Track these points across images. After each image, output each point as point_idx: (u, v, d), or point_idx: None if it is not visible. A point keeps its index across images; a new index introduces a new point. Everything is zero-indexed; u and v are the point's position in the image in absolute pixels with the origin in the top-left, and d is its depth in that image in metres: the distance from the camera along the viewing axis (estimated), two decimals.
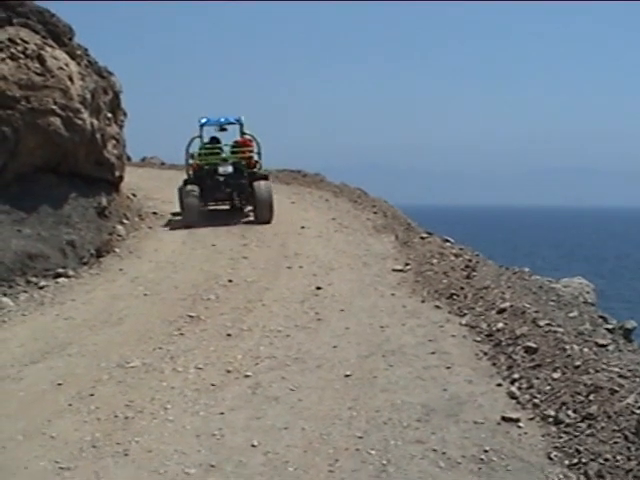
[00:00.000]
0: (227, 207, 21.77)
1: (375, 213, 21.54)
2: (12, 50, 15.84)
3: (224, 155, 21.00)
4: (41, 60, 16.17)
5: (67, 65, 16.82)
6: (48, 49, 16.56)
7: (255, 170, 21.03)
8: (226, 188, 20.52)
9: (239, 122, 21.66)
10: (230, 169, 20.39)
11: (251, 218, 20.65)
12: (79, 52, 18.09)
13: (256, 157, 21.34)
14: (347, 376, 9.31)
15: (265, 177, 20.89)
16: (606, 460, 6.79)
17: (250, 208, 21.10)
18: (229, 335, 11.09)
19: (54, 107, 16.21)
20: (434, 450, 7.31)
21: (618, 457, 6.79)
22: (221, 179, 20.35)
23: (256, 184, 20.07)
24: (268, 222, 19.77)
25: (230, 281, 14.13)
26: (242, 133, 21.78)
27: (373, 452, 7.29)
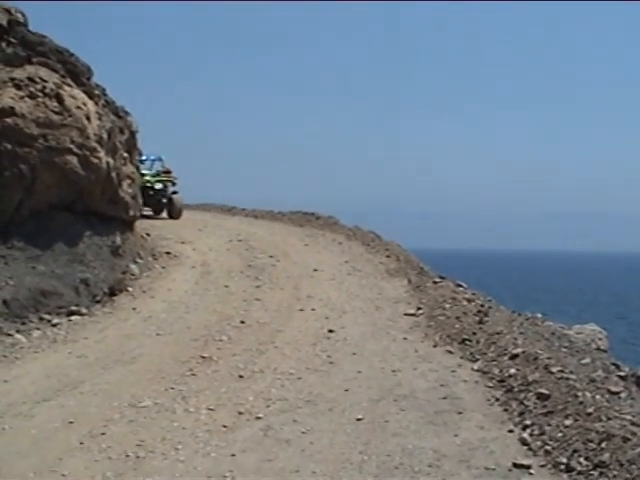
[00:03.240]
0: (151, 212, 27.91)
1: (388, 257, 21.54)
2: (31, 89, 15.96)
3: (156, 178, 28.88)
4: (59, 99, 16.28)
5: (85, 104, 16.93)
6: (66, 88, 16.68)
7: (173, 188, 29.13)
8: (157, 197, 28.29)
9: (160, 159, 30.32)
10: (160, 186, 28.38)
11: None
12: (97, 92, 18.22)
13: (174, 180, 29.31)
14: (358, 420, 9.30)
15: (176, 192, 28.87)
16: None
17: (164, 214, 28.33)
18: (241, 376, 11.09)
19: (71, 146, 16.28)
20: None
21: None
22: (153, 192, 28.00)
23: (174, 196, 28.44)
24: (178, 218, 27.52)
25: (242, 322, 14.14)
26: (162, 166, 30.14)
27: None
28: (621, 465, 7.36)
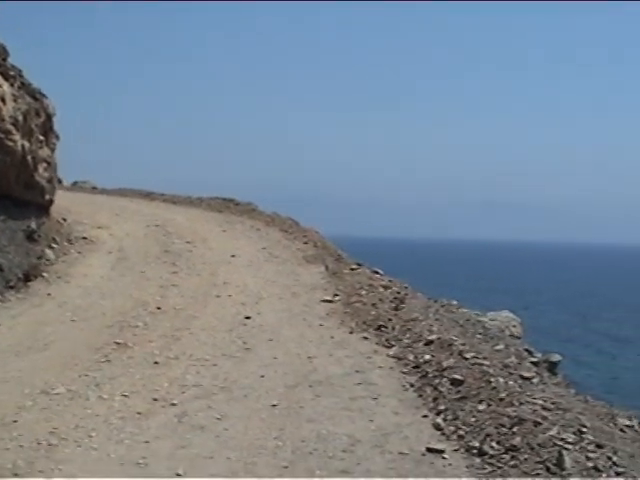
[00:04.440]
0: None
1: (306, 243, 21.54)
2: None
3: None
4: None
5: (0, 86, 16.63)
6: None
7: None
8: None
9: None
10: None
11: None
12: (12, 73, 17.88)
13: None
14: (274, 406, 9.30)
15: None
16: None
17: None
18: (156, 363, 11.00)
19: None
20: None
21: None
22: None
23: None
24: None
25: (158, 308, 14.03)
26: None
27: None
28: (532, 449, 7.49)
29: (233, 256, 19.23)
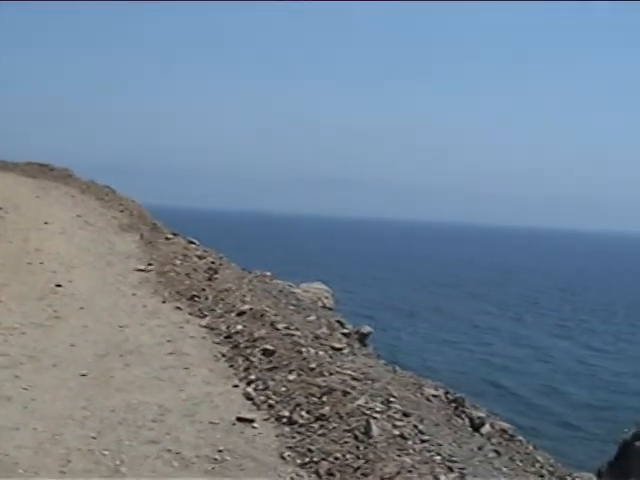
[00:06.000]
0: None
1: (122, 212, 21.32)
2: None
3: None
4: None
5: None
6: None
7: None
8: None
9: None
10: None
11: None
12: None
13: None
14: (83, 375, 9.14)
15: None
16: (336, 459, 7.00)
17: None
18: None
19: None
20: (168, 450, 7.28)
21: (347, 456, 7.02)
22: None
23: None
24: None
25: None
26: None
27: (106, 452, 7.18)
28: (340, 417, 7.63)
29: (46, 223, 18.82)
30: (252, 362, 9.51)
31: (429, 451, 7.09)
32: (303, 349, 9.43)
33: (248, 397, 8.58)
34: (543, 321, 60.67)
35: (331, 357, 9.39)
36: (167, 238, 17.73)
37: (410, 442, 7.19)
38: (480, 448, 8.41)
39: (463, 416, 10.38)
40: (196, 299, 12.60)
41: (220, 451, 7.30)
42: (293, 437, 7.58)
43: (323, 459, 7.04)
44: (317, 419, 7.74)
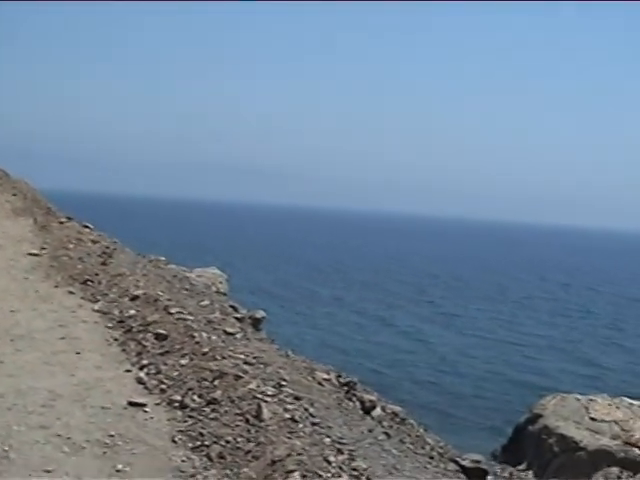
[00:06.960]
0: None
1: (15, 195, 20.95)
2: None
3: None
4: None
5: None
6: None
7: None
8: None
9: None
10: None
11: None
12: None
13: None
14: None
15: None
16: (227, 442, 7.09)
17: None
18: None
19: None
20: (58, 435, 7.24)
21: (239, 439, 7.10)
22: None
23: None
24: None
25: None
26: None
27: None
28: (232, 401, 7.70)
29: None
30: (145, 346, 9.50)
31: (319, 434, 7.21)
32: (196, 333, 9.45)
33: (140, 381, 8.57)
34: (429, 309, 60.83)
35: (224, 342, 9.43)
36: (61, 222, 17.50)
37: (301, 425, 7.29)
38: (370, 431, 8.57)
39: (354, 399, 10.54)
40: (89, 283, 12.50)
41: (111, 436, 7.28)
42: (185, 421, 7.62)
43: (214, 442, 7.11)
44: (209, 403, 7.80)
